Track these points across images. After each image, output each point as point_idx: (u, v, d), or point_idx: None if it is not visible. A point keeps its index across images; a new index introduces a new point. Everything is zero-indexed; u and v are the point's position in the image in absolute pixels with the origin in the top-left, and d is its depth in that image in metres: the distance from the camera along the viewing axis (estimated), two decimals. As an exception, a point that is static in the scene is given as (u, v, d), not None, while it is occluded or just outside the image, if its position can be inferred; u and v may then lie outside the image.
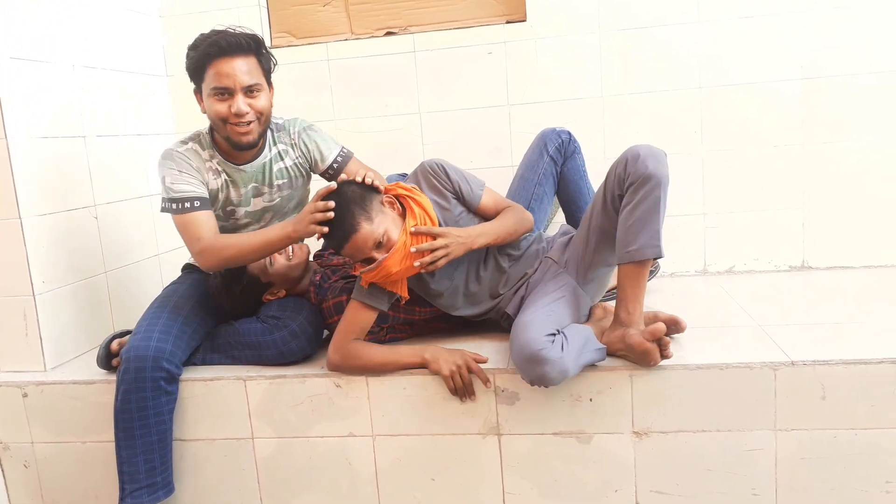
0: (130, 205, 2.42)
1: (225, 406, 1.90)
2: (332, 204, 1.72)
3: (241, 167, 1.98)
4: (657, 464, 1.75)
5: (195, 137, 1.98)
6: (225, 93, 1.83)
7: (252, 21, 2.64)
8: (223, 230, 2.05)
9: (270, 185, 2.03)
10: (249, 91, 1.84)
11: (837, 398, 1.66)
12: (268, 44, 2.68)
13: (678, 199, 2.53)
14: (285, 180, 2.04)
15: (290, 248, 2.00)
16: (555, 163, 2.22)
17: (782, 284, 2.40)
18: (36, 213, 2.01)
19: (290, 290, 2.03)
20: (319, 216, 1.72)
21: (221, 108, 1.84)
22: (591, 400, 1.74)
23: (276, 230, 1.85)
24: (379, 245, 1.74)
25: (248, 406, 1.89)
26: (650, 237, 1.71)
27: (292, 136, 2.03)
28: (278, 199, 2.06)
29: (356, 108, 2.67)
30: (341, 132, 2.66)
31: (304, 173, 2.09)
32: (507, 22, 2.57)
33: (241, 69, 1.83)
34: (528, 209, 2.10)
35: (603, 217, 1.83)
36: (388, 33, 2.65)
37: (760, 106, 2.46)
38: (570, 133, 2.22)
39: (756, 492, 1.72)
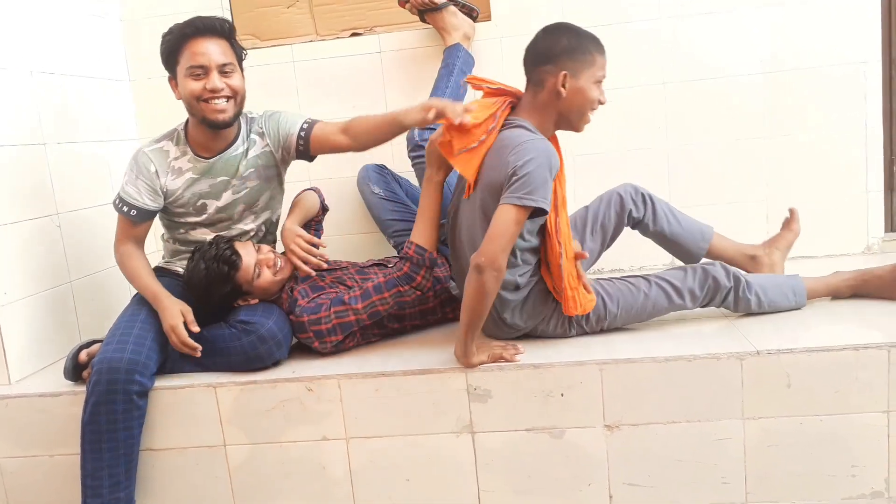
0: (95, 212, 2.37)
1: (196, 414, 1.88)
2: (197, 354, 1.89)
3: (211, 160, 2.00)
4: (629, 456, 1.77)
5: (170, 134, 2.02)
6: (200, 71, 1.86)
7: (223, 17, 2.60)
8: (197, 225, 2.07)
9: (239, 178, 2.03)
10: (223, 70, 1.89)
11: (802, 386, 1.70)
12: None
13: (645, 193, 2.57)
14: (252, 170, 2.04)
15: (278, 262, 1.99)
16: None
17: (748, 275, 2.43)
18: (-4, 223, 1.97)
19: (262, 299, 2.02)
20: (176, 343, 1.87)
21: (196, 86, 1.87)
22: (562, 395, 1.76)
23: (157, 298, 1.92)
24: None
25: (220, 413, 1.87)
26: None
27: (261, 125, 2.05)
28: (246, 191, 2.05)
29: (323, 109, 2.63)
30: (308, 134, 2.64)
31: (274, 162, 2.07)
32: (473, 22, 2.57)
33: (216, 49, 1.88)
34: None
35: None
36: (354, 34, 2.64)
37: (723, 100, 2.50)
38: None
39: (726, 480, 1.75)
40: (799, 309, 1.97)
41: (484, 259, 1.65)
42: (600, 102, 1.85)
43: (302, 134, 2.02)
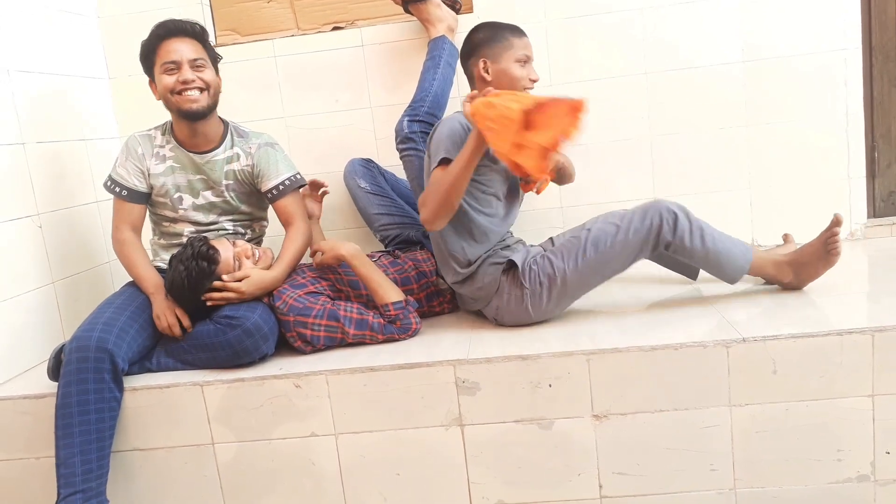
0: (76, 212, 2.35)
1: (183, 412, 1.87)
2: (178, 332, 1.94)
3: (192, 155, 2.07)
4: (618, 446, 1.78)
5: (159, 126, 2.14)
6: (173, 66, 1.98)
7: (195, 19, 2.58)
8: (171, 220, 2.12)
9: (219, 184, 2.10)
10: (195, 64, 2.00)
11: (788, 372, 1.71)
12: (212, 42, 2.64)
13: (629, 184, 2.58)
14: (231, 182, 2.11)
15: (256, 252, 2.00)
16: None
17: (733, 263, 2.44)
18: (-25, 225, 1.95)
19: None
20: (171, 328, 1.93)
21: (170, 80, 1.98)
22: (550, 386, 1.76)
23: (150, 286, 1.99)
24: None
25: (207, 411, 1.86)
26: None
27: (251, 145, 2.12)
28: (226, 198, 2.12)
29: (306, 104, 2.64)
30: (292, 129, 2.63)
31: (248, 184, 2.13)
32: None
33: (186, 47, 2.00)
34: None
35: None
36: (336, 28, 2.62)
37: (705, 89, 2.50)
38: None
39: (714, 467, 1.76)
40: (747, 263, 1.98)
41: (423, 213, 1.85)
42: (532, 80, 1.99)
43: (280, 187, 2.10)
